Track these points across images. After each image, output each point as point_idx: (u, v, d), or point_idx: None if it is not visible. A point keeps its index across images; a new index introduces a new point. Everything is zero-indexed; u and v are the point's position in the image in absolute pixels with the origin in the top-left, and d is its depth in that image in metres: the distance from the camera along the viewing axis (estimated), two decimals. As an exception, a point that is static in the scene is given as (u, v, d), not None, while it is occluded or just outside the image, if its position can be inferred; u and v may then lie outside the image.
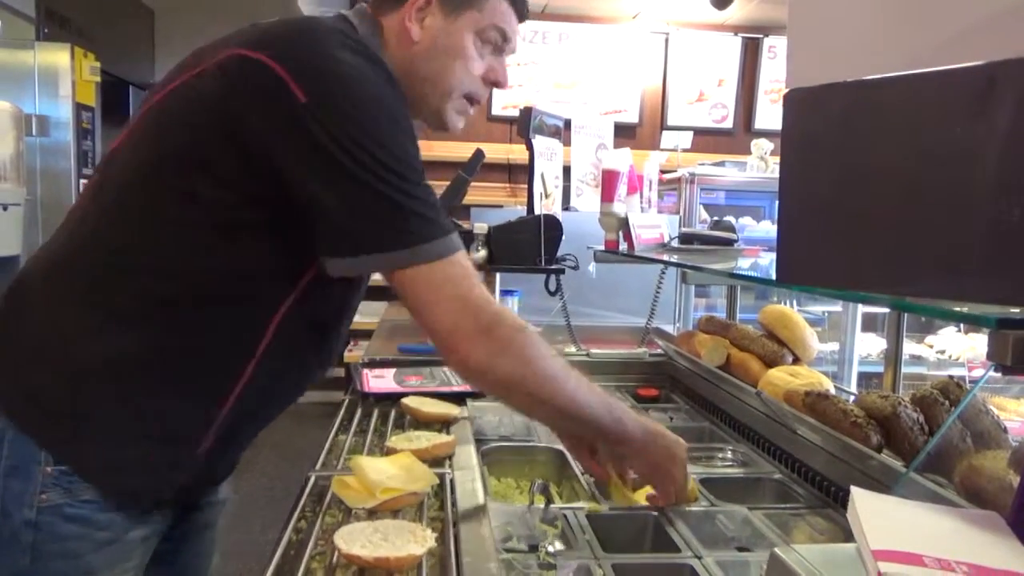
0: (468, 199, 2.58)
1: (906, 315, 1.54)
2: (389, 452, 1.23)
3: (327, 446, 1.34)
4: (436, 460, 1.24)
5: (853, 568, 0.59)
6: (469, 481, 1.19)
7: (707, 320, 2.07)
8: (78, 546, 0.93)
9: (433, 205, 0.96)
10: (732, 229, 2.14)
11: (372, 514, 1.01)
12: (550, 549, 1.12)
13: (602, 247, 2.34)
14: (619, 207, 2.20)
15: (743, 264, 1.77)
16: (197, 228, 0.88)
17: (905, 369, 1.59)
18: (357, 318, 4.27)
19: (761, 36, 5.59)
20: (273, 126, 0.85)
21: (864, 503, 0.60)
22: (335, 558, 0.90)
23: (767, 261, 1.88)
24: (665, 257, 1.96)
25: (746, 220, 4.10)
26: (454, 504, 1.09)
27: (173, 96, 0.93)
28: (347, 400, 1.64)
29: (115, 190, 0.93)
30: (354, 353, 4.24)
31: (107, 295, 0.91)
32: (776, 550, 0.61)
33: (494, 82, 1.10)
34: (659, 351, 2.28)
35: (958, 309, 0.74)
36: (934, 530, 0.58)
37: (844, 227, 0.84)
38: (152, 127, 0.93)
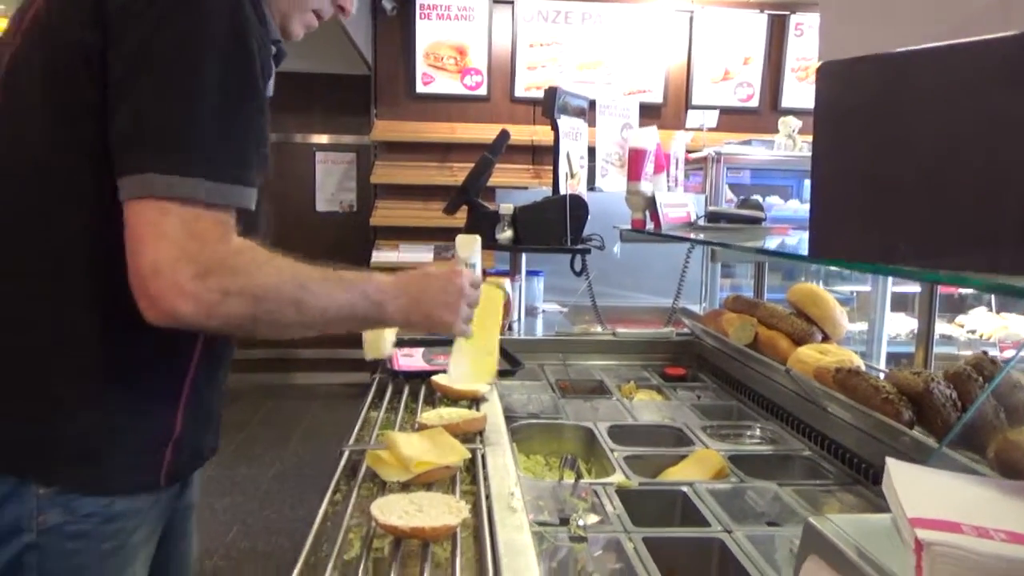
0: (492, 181, 2.58)
1: (938, 293, 1.52)
2: (421, 428, 1.25)
3: (359, 422, 1.36)
4: (467, 436, 1.26)
5: (889, 537, 0.59)
6: (500, 456, 1.20)
7: (734, 299, 2.07)
8: (83, 560, 0.93)
9: (239, 143, 0.88)
10: (759, 207, 2.12)
11: (406, 487, 1.03)
12: (581, 523, 1.14)
13: (628, 226, 2.33)
14: (646, 186, 2.19)
15: (771, 243, 1.76)
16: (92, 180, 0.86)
17: (935, 349, 1.57)
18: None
19: (787, 13, 5.50)
20: (120, 20, 0.84)
21: (900, 473, 0.60)
22: (372, 529, 0.92)
23: (795, 240, 1.86)
24: (692, 236, 1.95)
25: (773, 199, 4.05)
26: (486, 478, 1.10)
27: (27, 44, 0.90)
28: (377, 379, 1.66)
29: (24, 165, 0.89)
30: (381, 335, 4.26)
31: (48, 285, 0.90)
32: (811, 519, 0.61)
33: (340, 6, 1.12)
34: (686, 331, 2.28)
35: (994, 281, 0.74)
36: (971, 499, 0.58)
37: (877, 201, 0.84)
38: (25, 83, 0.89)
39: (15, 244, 0.91)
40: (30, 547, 0.91)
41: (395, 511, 0.89)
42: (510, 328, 2.28)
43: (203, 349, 1.00)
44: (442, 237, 5.04)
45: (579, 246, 2.39)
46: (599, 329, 2.38)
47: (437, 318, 1.10)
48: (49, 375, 0.91)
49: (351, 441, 1.26)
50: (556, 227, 2.35)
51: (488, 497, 1.03)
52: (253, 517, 3.49)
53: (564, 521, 1.16)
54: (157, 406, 0.99)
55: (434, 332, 1.14)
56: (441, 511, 0.90)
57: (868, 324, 3.06)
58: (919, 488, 0.59)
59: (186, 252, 0.84)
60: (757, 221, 2.02)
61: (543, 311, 2.64)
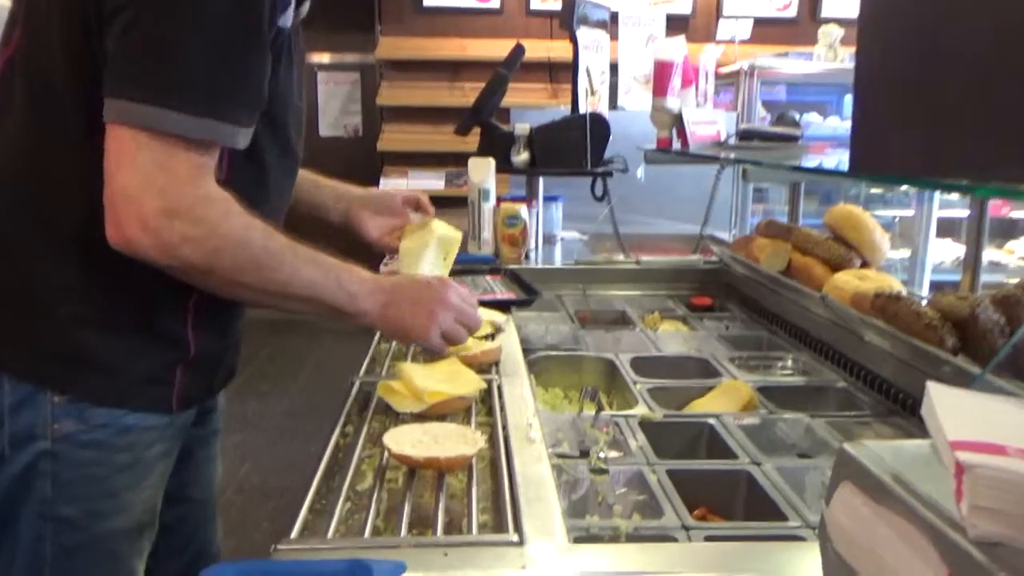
0: (507, 100, 2.53)
1: (988, 215, 1.49)
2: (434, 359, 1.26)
3: (370, 354, 1.38)
4: (482, 367, 1.27)
5: (928, 464, 0.59)
6: (517, 387, 1.21)
7: (767, 224, 2.04)
8: (98, 471, 0.99)
9: (229, 77, 0.88)
10: (796, 124, 2.08)
11: (420, 419, 1.05)
12: (601, 455, 1.15)
13: (653, 147, 2.30)
14: (672, 102, 2.14)
15: (809, 161, 1.73)
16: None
17: (983, 277, 1.55)
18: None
19: (831, -91, 5.27)
20: None
21: (942, 397, 0.60)
22: (384, 459, 0.94)
23: (835, 160, 1.83)
24: (722, 155, 1.92)
25: (811, 117, 3.97)
26: (502, 409, 1.11)
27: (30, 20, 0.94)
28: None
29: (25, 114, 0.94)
30: (391, 266, 4.28)
31: (48, 217, 0.94)
32: (845, 445, 0.61)
33: None
34: (714, 258, 2.26)
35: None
36: (1018, 423, 0.58)
37: (923, 110, 0.81)
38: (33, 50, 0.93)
39: (22, 161, 0.95)
40: (45, 454, 0.96)
41: (408, 441, 0.90)
42: (527, 257, 2.27)
43: None
44: (454, 162, 5.00)
45: (600, 169, 2.37)
46: (621, 257, 2.37)
47: (411, 324, 1.08)
48: (58, 289, 0.95)
49: (362, 373, 1.27)
50: (575, 149, 2.32)
51: (505, 428, 1.05)
52: (264, 453, 3.58)
53: (584, 453, 1.17)
54: (166, 323, 1.02)
55: (411, 342, 1.15)
56: (456, 442, 0.91)
57: (911, 250, 3.03)
58: (962, 411, 0.58)
59: (155, 186, 0.86)
60: (793, 139, 1.98)
61: (562, 239, 2.63)
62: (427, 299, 1.10)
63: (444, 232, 1.44)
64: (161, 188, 0.86)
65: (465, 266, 2.12)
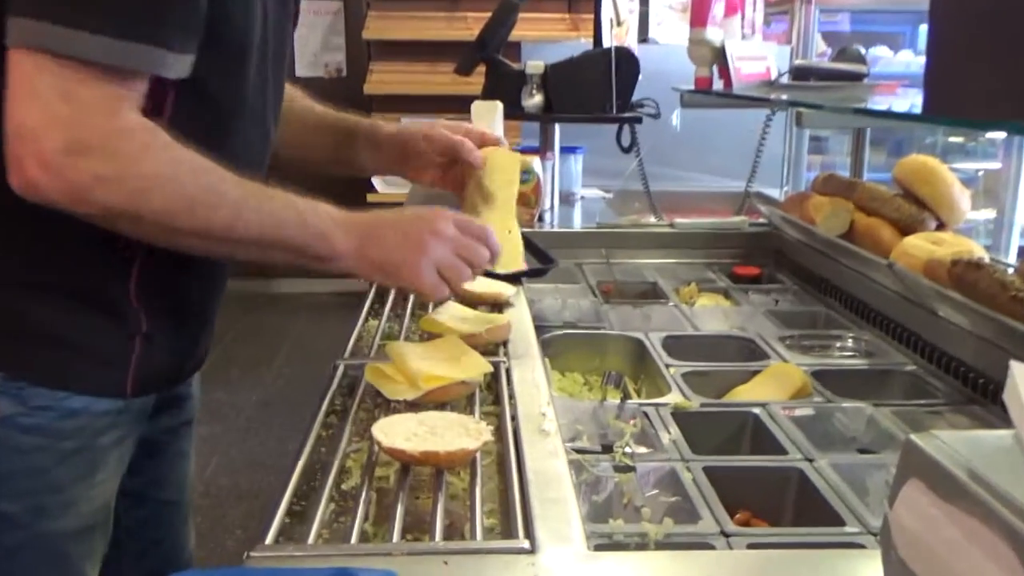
0: (516, 33, 2.52)
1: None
2: (431, 337, 1.27)
3: (356, 332, 1.39)
4: (488, 348, 1.28)
5: (1009, 458, 0.59)
6: (529, 371, 1.22)
7: (825, 179, 2.03)
8: (41, 460, 1.00)
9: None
10: (861, 60, 2.05)
11: (414, 407, 1.05)
12: (627, 450, 1.16)
13: (690, 87, 2.28)
14: (714, 33, 2.12)
15: (877, 103, 1.72)
16: None
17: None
18: (384, 188, 4.36)
19: None
20: None
21: (1027, 380, 0.60)
22: (374, 455, 0.95)
23: (907, 102, 1.82)
24: (773, 96, 1.91)
25: (879, 51, 3.93)
26: (512, 397, 1.12)
27: None
28: (376, 283, 1.68)
29: None
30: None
31: None
32: (913, 436, 0.61)
33: None
34: (762, 220, 2.26)
35: None
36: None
37: (1012, 43, 0.81)
38: None
39: None
40: None
41: (402, 433, 0.91)
42: (540, 219, 2.28)
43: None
44: (454, 107, 4.97)
45: (627, 114, 2.35)
46: (652, 219, 2.37)
47: (397, 261, 1.05)
48: None
49: (346, 354, 1.28)
50: (598, 90, 2.30)
51: (514, 419, 1.06)
52: (234, 449, 3.62)
53: (607, 448, 1.18)
54: (108, 291, 1.02)
55: (400, 285, 1.11)
56: (457, 434, 0.92)
57: (997, 211, 3.00)
58: (1052, 397, 0.58)
59: (57, 119, 0.85)
60: (858, 77, 1.96)
61: (582, 197, 2.63)
62: (415, 231, 1.06)
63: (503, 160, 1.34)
64: (65, 120, 0.85)
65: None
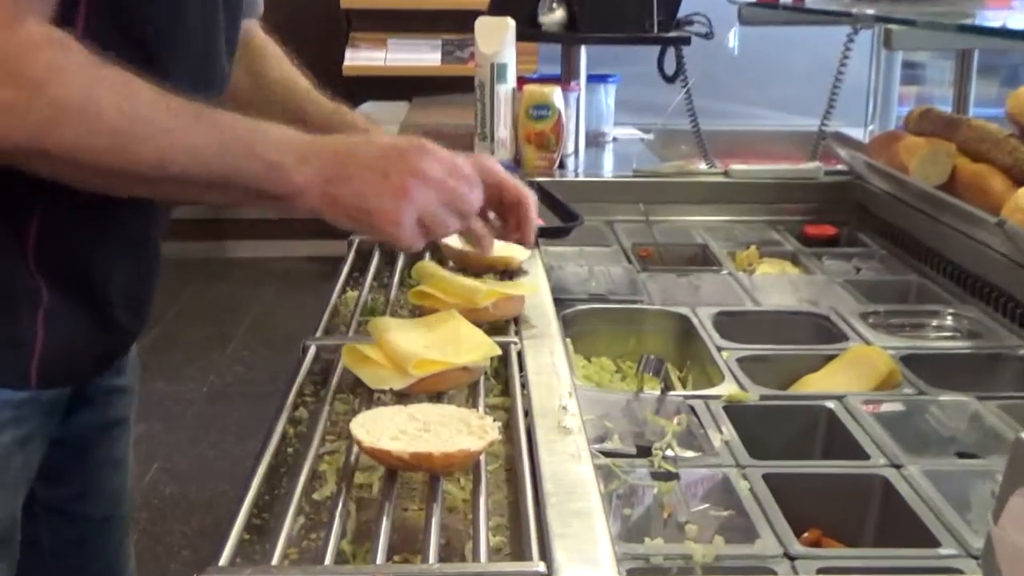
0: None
1: None
2: (424, 312, 1.27)
3: (331, 305, 1.39)
4: (495, 325, 1.28)
5: None
6: (546, 353, 1.22)
7: (921, 115, 2.02)
8: None
9: None
10: (969, -37, 2.03)
11: (404, 398, 1.06)
12: (669, 453, 1.17)
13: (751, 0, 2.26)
14: (782, -70, 2.10)
15: (988, 19, 1.70)
16: None
17: None
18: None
19: None
20: None
21: None
22: (353, 456, 0.95)
23: (1024, 17, 1.80)
24: (855, 10, 1.89)
25: (991, -46, 3.87)
26: (524, 386, 1.12)
27: None
28: (356, 244, 1.68)
29: None
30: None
31: None
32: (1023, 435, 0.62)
33: None
34: (840, 167, 2.25)
35: None
36: None
37: None
38: None
39: None
40: None
41: (387, 431, 0.91)
42: (562, 165, 2.27)
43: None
44: (452, 25, 4.96)
45: (672, 34, 2.34)
46: (702, 166, 2.36)
47: (372, 206, 1.04)
48: None
49: (319, 332, 1.28)
50: (635, 3, 2.29)
51: (528, 414, 1.06)
52: (180, 453, 3.65)
53: (644, 451, 1.18)
54: None
55: (370, 234, 1.14)
56: (456, 431, 0.92)
57: None
58: None
59: None
60: (964, -14, 1.94)
61: (614, 138, 2.62)
62: (396, 172, 1.04)
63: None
64: None
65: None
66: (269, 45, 1.41)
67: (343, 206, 1.04)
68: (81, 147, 0.91)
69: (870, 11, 1.87)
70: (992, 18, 1.87)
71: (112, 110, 0.91)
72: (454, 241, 1.43)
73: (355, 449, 0.94)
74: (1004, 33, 1.53)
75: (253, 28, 1.39)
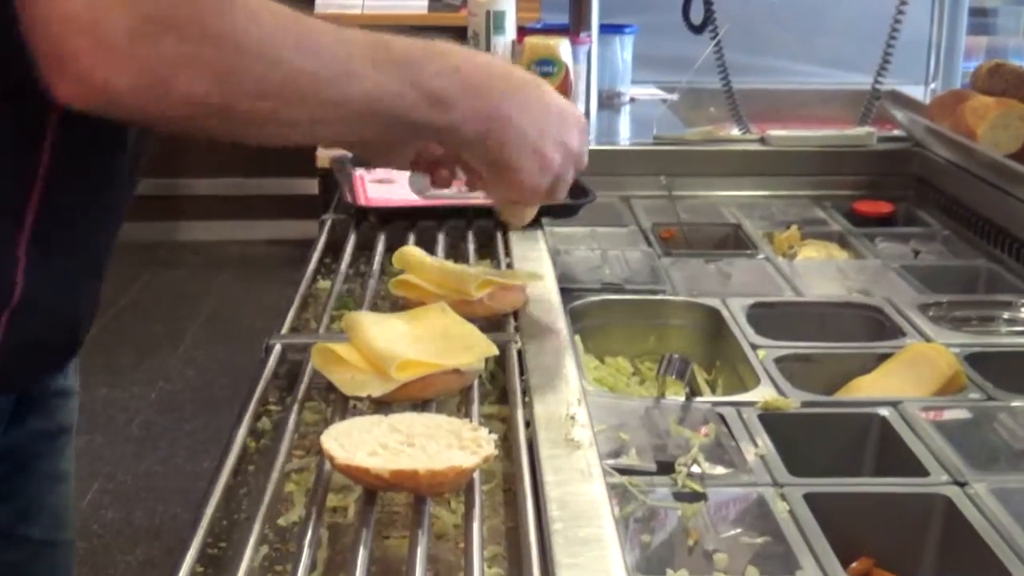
0: None
1: None
2: (408, 305, 1.27)
3: (299, 296, 1.39)
4: (492, 320, 1.28)
5: None
6: (551, 354, 1.22)
7: (991, 71, 2.02)
8: None
9: None
10: None
11: (383, 407, 1.06)
12: (695, 470, 1.17)
13: (793, -65, 2.26)
14: None
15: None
16: None
17: None
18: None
19: None
20: None
21: None
22: (324, 475, 0.96)
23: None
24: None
25: None
26: (526, 392, 1.13)
27: None
28: (329, 224, 1.68)
29: None
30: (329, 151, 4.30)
31: None
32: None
33: None
34: (897, 133, 2.25)
35: None
36: None
37: None
38: None
39: None
40: None
41: (365, 444, 0.92)
42: (570, 131, 2.27)
43: (56, 154, 1.03)
44: (444, -34, 4.95)
45: (699, -24, 2.33)
46: (735, 132, 2.35)
47: (517, 162, 1.15)
48: None
49: (285, 329, 1.29)
50: (655, -61, 2.29)
51: (530, 424, 1.06)
52: (124, 470, 3.65)
53: (666, 467, 1.19)
54: None
55: (498, 187, 1.22)
56: (446, 445, 0.92)
57: None
58: None
59: None
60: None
61: (632, 99, 2.61)
62: (552, 132, 1.18)
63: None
64: None
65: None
66: None
67: (491, 149, 1.15)
68: (266, 96, 0.96)
69: (932, -51, 1.87)
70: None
71: (294, 50, 0.97)
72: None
73: (327, 466, 0.94)
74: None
75: None
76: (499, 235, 1.59)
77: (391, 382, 1.07)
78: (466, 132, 1.11)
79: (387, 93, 1.04)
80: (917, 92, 2.68)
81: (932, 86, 2.93)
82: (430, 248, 1.47)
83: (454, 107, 1.08)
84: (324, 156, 4.35)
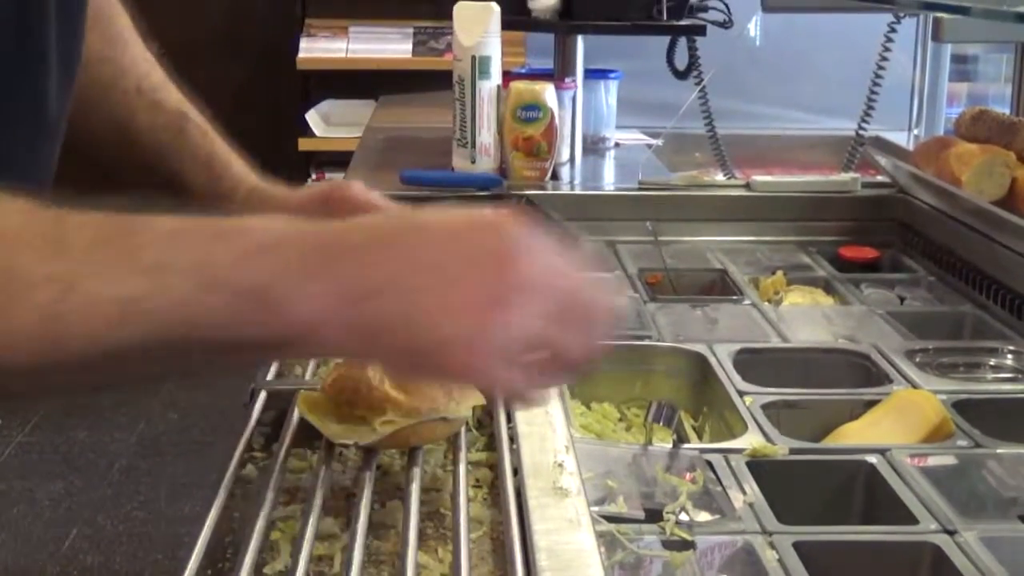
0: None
1: None
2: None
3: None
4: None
5: None
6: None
7: (974, 117, 2.04)
8: None
9: None
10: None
11: (370, 455, 1.06)
12: (683, 517, 1.16)
13: (777, -17, 2.28)
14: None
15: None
16: None
17: None
18: (323, 131, 4.37)
19: None
20: None
21: None
22: (309, 524, 0.95)
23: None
24: (898, -3, 1.90)
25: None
26: (513, 440, 1.12)
27: None
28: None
29: None
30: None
31: None
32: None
33: None
34: (881, 179, 2.26)
35: None
36: None
37: None
38: None
39: None
40: None
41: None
42: (555, 175, 2.28)
43: None
44: (427, 10, 4.98)
45: (684, 22, 2.35)
46: (720, 177, 2.37)
47: (429, 337, 0.76)
48: None
49: (270, 376, 1.28)
50: (640, -14, 2.30)
51: (517, 472, 1.06)
52: (104, 514, 3.62)
53: (654, 515, 1.18)
54: None
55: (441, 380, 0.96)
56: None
57: None
58: None
59: None
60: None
61: (617, 144, 2.62)
62: (476, 263, 0.78)
63: None
64: None
65: (452, 191, 2.11)
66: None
67: (382, 342, 0.78)
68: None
69: (915, -3, 1.88)
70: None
71: (38, 268, 0.69)
72: None
73: (313, 516, 0.94)
74: (1071, 24, 1.54)
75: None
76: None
77: (376, 433, 1.07)
78: (328, 327, 0.75)
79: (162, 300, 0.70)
80: (901, 138, 2.71)
81: (915, 132, 2.96)
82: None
83: (292, 293, 0.73)
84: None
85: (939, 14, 2.11)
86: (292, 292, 0.73)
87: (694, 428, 1.53)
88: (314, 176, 4.81)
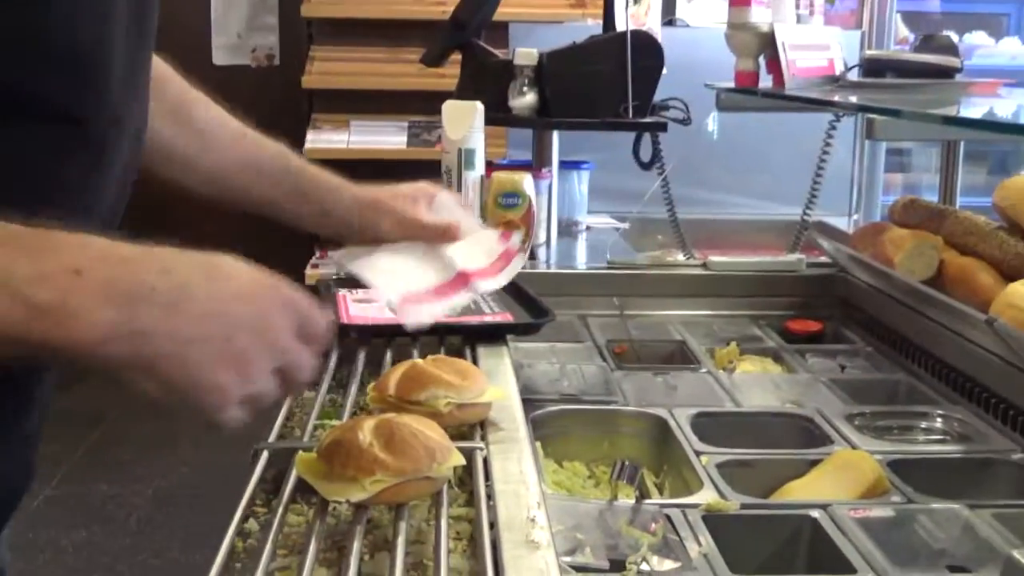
0: (503, 10, 2.55)
1: None
2: (385, 410, 1.26)
3: (285, 407, 1.38)
4: (460, 430, 1.28)
5: None
6: (514, 460, 1.22)
7: (906, 206, 2.06)
8: None
9: None
10: (953, 51, 2.09)
11: (361, 510, 1.05)
12: (645, 567, 1.16)
13: (730, 84, 2.30)
14: (760, 14, 2.16)
15: (972, 109, 1.74)
16: None
17: None
18: (319, 142, 4.27)
19: None
20: None
21: None
22: (306, 571, 0.95)
23: (1012, 105, 1.84)
24: (837, 99, 1.93)
25: (976, 37, 3.99)
26: (491, 497, 1.12)
27: None
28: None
29: None
30: (320, 269, 4.31)
31: None
32: (1016, 553, 0.62)
33: None
34: (824, 260, 2.28)
35: None
36: None
37: None
38: None
39: None
40: None
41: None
42: (532, 255, 2.28)
43: None
44: (420, 107, 5.02)
45: (648, 119, 2.37)
46: (680, 257, 2.38)
47: (198, 378, 0.84)
48: None
49: (272, 436, 1.28)
50: (609, 87, 2.33)
51: (493, 526, 1.05)
52: (123, 562, 3.59)
53: (618, 565, 1.18)
54: None
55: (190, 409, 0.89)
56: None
57: None
58: None
59: None
60: (948, 74, 1.99)
61: (588, 228, 2.64)
62: (247, 328, 0.88)
63: None
64: None
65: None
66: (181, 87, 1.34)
67: (153, 373, 0.83)
68: None
69: (853, 99, 1.91)
70: (978, 105, 1.92)
71: None
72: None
73: (308, 566, 0.93)
74: (991, 126, 1.57)
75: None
76: (467, 351, 1.59)
77: (366, 491, 1.06)
78: (107, 345, 0.79)
79: None
80: (841, 223, 2.73)
81: (855, 217, 2.99)
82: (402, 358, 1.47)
83: (80, 311, 0.77)
84: (312, 274, 4.38)
85: (873, 115, 2.14)
86: (84, 314, 0.77)
87: (655, 484, 1.53)
88: (318, 253, 4.81)
